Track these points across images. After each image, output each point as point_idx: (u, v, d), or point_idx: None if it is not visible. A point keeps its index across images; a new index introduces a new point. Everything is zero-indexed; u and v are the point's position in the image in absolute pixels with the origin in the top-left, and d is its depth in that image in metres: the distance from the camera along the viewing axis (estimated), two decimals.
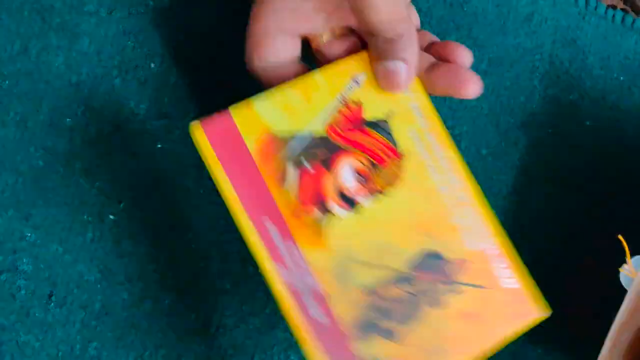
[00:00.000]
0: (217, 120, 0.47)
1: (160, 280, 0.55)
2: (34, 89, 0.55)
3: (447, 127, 0.57)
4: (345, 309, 0.47)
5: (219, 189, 0.46)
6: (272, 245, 0.47)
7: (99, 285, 0.54)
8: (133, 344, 0.56)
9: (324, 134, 0.48)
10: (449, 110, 0.63)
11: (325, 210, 0.48)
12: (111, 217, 0.55)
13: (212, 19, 0.59)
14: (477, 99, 0.63)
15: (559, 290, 0.60)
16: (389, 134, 0.49)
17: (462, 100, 0.63)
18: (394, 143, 0.49)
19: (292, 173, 0.48)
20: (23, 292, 0.53)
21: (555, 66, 0.66)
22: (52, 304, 0.53)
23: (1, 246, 0.54)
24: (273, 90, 0.48)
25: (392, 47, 0.48)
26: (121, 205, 0.55)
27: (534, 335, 0.60)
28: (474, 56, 0.63)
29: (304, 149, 0.48)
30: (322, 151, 0.48)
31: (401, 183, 0.49)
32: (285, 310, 0.47)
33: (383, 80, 0.48)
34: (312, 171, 0.48)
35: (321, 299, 0.47)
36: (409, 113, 0.50)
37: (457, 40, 0.64)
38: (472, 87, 0.48)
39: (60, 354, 0.54)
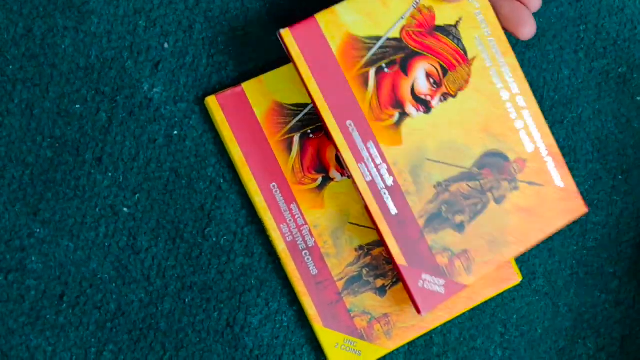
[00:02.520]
0: (303, 25, 0.51)
1: (180, 278, 0.54)
2: (40, 74, 0.53)
3: None
4: (420, 203, 0.52)
5: (306, 88, 0.51)
6: (354, 145, 0.51)
7: (114, 284, 0.53)
8: (152, 346, 0.53)
9: (401, 39, 0.53)
10: None
11: (403, 112, 0.53)
12: (126, 210, 0.54)
13: None
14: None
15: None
16: (459, 39, 0.54)
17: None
18: (463, 49, 0.54)
19: (373, 77, 0.52)
20: (33, 292, 0.52)
21: (602, 37, 0.63)
22: (64, 305, 0.52)
23: (8, 244, 0.52)
24: None
25: None
26: (136, 197, 0.54)
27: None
28: None
29: (384, 54, 0.52)
30: (400, 56, 0.53)
31: (469, 87, 0.54)
32: (368, 207, 0.51)
33: None
34: (391, 75, 0.53)
35: (399, 194, 0.52)
36: (474, 20, 0.55)
37: None
38: (527, 29, 0.53)
39: (74, 358, 0.53)
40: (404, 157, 0.52)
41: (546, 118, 0.61)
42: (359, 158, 0.52)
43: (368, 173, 0.52)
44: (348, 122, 0.51)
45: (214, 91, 0.56)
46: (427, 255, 0.52)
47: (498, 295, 0.59)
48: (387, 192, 0.52)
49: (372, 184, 0.52)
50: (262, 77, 0.54)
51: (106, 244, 0.53)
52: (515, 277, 0.58)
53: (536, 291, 0.60)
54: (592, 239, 0.61)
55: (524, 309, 0.59)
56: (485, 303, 0.59)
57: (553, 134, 0.61)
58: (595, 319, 0.60)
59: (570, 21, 0.62)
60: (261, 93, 0.54)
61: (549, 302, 0.60)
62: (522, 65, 0.61)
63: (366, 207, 0.52)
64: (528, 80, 0.61)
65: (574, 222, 0.61)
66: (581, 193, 0.61)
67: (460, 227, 0.53)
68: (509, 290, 0.59)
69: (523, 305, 0.59)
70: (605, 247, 0.61)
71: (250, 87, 0.54)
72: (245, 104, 0.54)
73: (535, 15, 0.62)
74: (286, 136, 0.54)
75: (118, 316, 0.53)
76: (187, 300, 0.54)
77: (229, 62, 0.56)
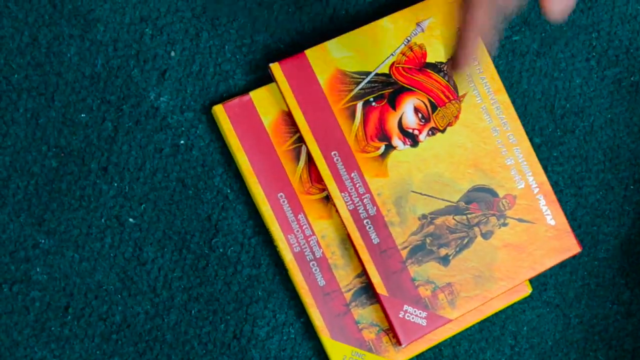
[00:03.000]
0: (293, 60, 0.53)
1: (186, 289, 0.53)
2: (45, 83, 0.53)
3: None
4: (403, 234, 0.53)
5: (295, 120, 0.52)
6: (338, 175, 0.53)
7: (119, 296, 0.53)
8: (157, 358, 0.53)
9: (390, 75, 0.54)
10: None
11: (389, 145, 0.54)
12: (131, 220, 0.53)
13: None
14: (528, 83, 0.60)
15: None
16: (450, 76, 0.55)
17: (511, 84, 0.59)
18: (454, 85, 0.55)
19: (360, 110, 0.54)
20: (37, 304, 0.52)
21: (614, 45, 0.62)
22: (69, 316, 0.52)
23: (13, 255, 0.52)
24: (345, 35, 0.54)
25: None
26: (142, 207, 0.54)
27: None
28: (525, 36, 0.61)
29: (372, 88, 0.54)
30: (388, 91, 0.54)
31: (458, 122, 0.55)
32: (350, 236, 0.53)
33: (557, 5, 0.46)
34: (379, 109, 0.54)
35: (382, 224, 0.53)
36: None
37: (509, 17, 0.60)
38: (557, 5, 0.47)
39: None
40: (389, 188, 0.54)
41: (557, 127, 0.61)
42: (342, 187, 0.53)
43: (351, 202, 0.53)
44: (333, 152, 0.53)
45: (221, 100, 0.55)
46: (409, 287, 0.53)
47: (508, 307, 0.58)
48: (369, 222, 0.53)
49: (354, 213, 0.53)
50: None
51: (111, 255, 0.53)
52: (525, 289, 0.57)
53: (547, 303, 0.59)
54: (604, 250, 0.61)
55: (534, 321, 0.59)
56: (495, 315, 0.58)
57: (565, 143, 0.61)
58: (607, 330, 0.60)
59: (582, 29, 0.61)
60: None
61: (559, 313, 0.59)
62: (532, 74, 0.60)
63: (348, 236, 0.53)
64: (539, 90, 0.61)
65: (585, 233, 0.60)
66: (592, 203, 0.61)
67: (444, 260, 0.54)
68: (519, 302, 0.59)
69: (533, 317, 0.59)
70: (617, 258, 0.61)
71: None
72: (252, 113, 0.54)
73: (544, 23, 0.61)
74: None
75: (123, 328, 0.53)
76: (193, 312, 0.53)
77: (236, 70, 0.56)
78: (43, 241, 0.52)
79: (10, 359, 0.51)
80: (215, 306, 0.54)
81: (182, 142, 0.54)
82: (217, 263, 0.54)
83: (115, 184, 0.53)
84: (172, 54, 0.55)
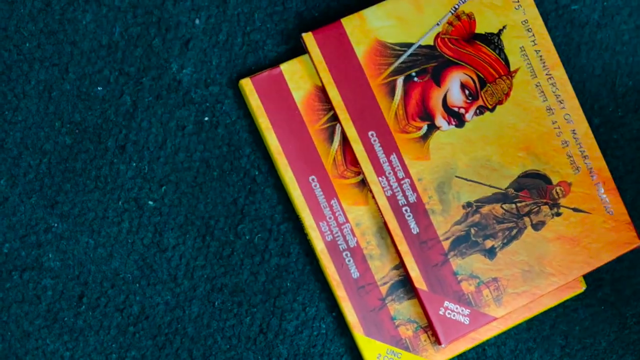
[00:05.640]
0: (328, 29, 0.51)
1: (210, 279, 0.52)
2: (59, 53, 0.51)
3: None
4: (446, 223, 0.51)
5: (329, 96, 0.50)
6: (375, 157, 0.50)
7: (137, 285, 0.51)
8: (177, 353, 0.51)
9: (435, 47, 0.52)
10: None
11: (432, 124, 0.51)
12: (151, 203, 0.52)
13: None
14: (588, 57, 0.57)
15: None
16: (501, 49, 0.52)
17: (568, 58, 0.56)
18: (505, 59, 0.53)
19: (400, 86, 0.51)
20: (50, 292, 0.51)
21: None
22: (84, 306, 0.51)
23: (24, 239, 0.50)
24: (385, 2, 0.51)
25: None
26: (163, 189, 0.52)
27: None
28: (584, 4, 0.57)
29: (414, 62, 0.51)
30: (432, 65, 0.52)
31: (509, 101, 0.52)
32: (388, 225, 0.50)
33: None
34: (421, 85, 0.51)
35: (422, 213, 0.51)
36: (520, 29, 0.53)
37: None
38: None
39: None
40: (431, 172, 0.51)
41: (618, 107, 0.56)
42: (379, 171, 0.51)
43: (389, 187, 0.51)
44: (370, 132, 0.51)
45: (249, 73, 0.53)
46: (450, 281, 0.51)
47: (559, 305, 0.55)
48: (409, 209, 0.51)
49: (392, 200, 0.51)
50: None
51: (129, 241, 0.51)
52: (578, 285, 0.53)
53: (602, 300, 0.56)
54: None
55: (587, 320, 0.56)
56: (545, 313, 0.55)
57: (626, 124, 0.57)
58: None
59: None
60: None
61: (615, 312, 0.56)
62: (592, 48, 0.56)
63: (385, 225, 0.51)
64: (598, 66, 0.57)
65: None
66: None
67: (490, 253, 0.51)
68: (571, 299, 0.56)
69: (587, 315, 0.56)
70: None
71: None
72: (283, 88, 0.51)
73: None
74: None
75: (141, 320, 0.51)
76: (216, 304, 0.52)
77: (266, 40, 0.53)
78: (56, 225, 0.51)
79: (20, 350, 0.50)
80: (241, 298, 0.52)
81: (206, 118, 0.52)
82: (243, 251, 0.52)
83: (134, 164, 0.51)
84: (197, 21, 0.52)
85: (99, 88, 0.51)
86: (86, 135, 0.51)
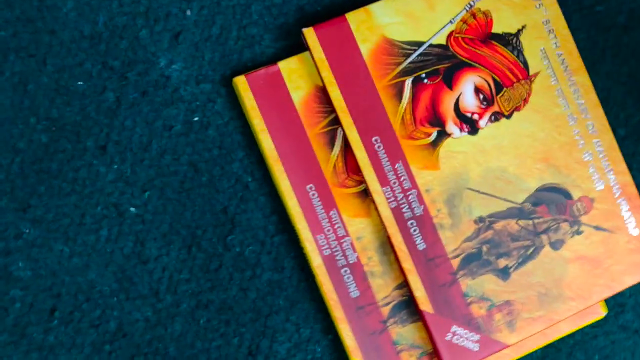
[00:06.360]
0: (331, 25, 0.49)
1: (195, 294, 0.50)
2: (36, 42, 0.50)
3: None
4: (455, 239, 0.49)
5: (330, 97, 0.48)
6: (379, 165, 0.48)
7: (115, 299, 0.49)
8: None
9: (448, 47, 0.50)
10: None
11: (442, 131, 0.49)
12: (133, 210, 0.50)
13: None
14: (613, 62, 0.54)
15: None
16: (520, 51, 0.51)
17: (592, 63, 0.54)
18: (524, 62, 0.50)
19: (409, 88, 0.49)
20: (18, 305, 0.49)
21: None
22: (55, 321, 0.49)
23: None
24: None
25: None
26: (146, 194, 0.50)
27: None
28: (609, 6, 0.55)
29: (424, 62, 0.50)
30: (444, 65, 0.50)
31: (527, 107, 0.50)
32: (391, 240, 0.48)
33: None
34: (431, 87, 0.50)
35: (429, 227, 0.48)
36: (541, 29, 0.51)
37: None
38: None
39: None
40: (440, 183, 0.49)
41: None
42: (384, 181, 0.48)
43: (393, 198, 0.48)
44: (374, 137, 0.49)
45: (244, 70, 0.51)
46: (459, 303, 0.48)
47: (577, 331, 0.53)
48: (414, 223, 0.48)
49: (397, 212, 0.48)
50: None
51: (108, 250, 0.49)
52: (599, 311, 0.51)
53: (623, 327, 0.54)
54: None
55: (607, 348, 0.53)
56: (562, 340, 0.52)
57: None
58: None
59: None
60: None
61: (638, 340, 0.54)
62: (618, 52, 0.54)
63: (388, 239, 0.48)
64: (624, 72, 0.55)
65: None
66: None
67: (504, 273, 0.49)
68: (591, 326, 0.53)
69: (607, 343, 0.53)
70: None
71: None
72: (280, 87, 0.49)
73: None
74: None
75: (119, 337, 0.49)
76: (201, 322, 0.50)
77: (263, 35, 0.51)
78: (27, 231, 0.49)
79: None
80: (229, 316, 0.50)
81: (196, 118, 0.50)
82: (232, 264, 0.50)
83: (115, 166, 0.49)
84: (188, 12, 0.51)
85: (79, 82, 0.49)
86: (64, 133, 0.49)
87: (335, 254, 0.48)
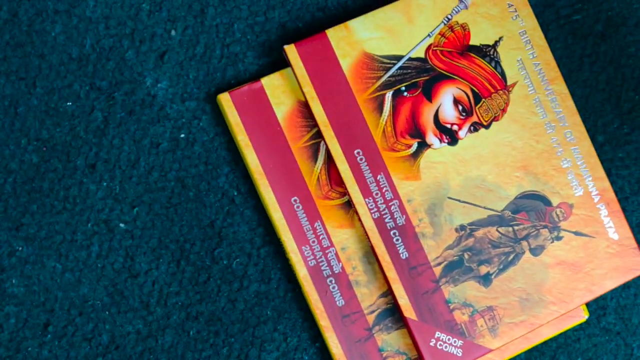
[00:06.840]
0: (312, 41, 0.49)
1: (184, 306, 0.50)
2: (26, 66, 0.50)
3: None
4: (437, 248, 0.49)
5: (312, 112, 0.49)
6: (362, 177, 0.49)
7: (107, 312, 0.50)
8: None
9: (426, 60, 0.50)
10: None
11: (422, 142, 0.50)
12: (122, 225, 0.50)
13: None
14: (590, 70, 0.55)
15: None
16: (497, 62, 0.51)
17: (570, 72, 0.55)
18: (502, 73, 0.51)
19: (389, 101, 0.49)
20: (12, 320, 0.49)
21: None
22: (49, 335, 0.49)
23: None
24: (373, 12, 0.50)
25: None
26: (135, 210, 0.50)
27: None
28: (586, 15, 0.55)
29: (404, 75, 0.50)
30: (423, 78, 0.50)
31: (505, 117, 0.51)
32: (375, 250, 0.48)
33: None
34: (411, 100, 0.50)
35: (412, 236, 0.49)
36: (517, 40, 0.51)
37: None
38: None
39: None
40: (421, 193, 0.49)
41: (623, 123, 0.54)
42: (366, 192, 0.49)
43: (376, 209, 0.49)
44: (356, 150, 0.49)
45: (228, 87, 0.51)
46: (442, 310, 0.49)
47: (560, 335, 0.53)
48: (397, 233, 0.49)
49: (379, 222, 0.48)
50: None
51: (99, 265, 0.50)
52: (580, 314, 0.51)
53: (606, 330, 0.54)
54: None
55: (590, 351, 0.53)
56: (545, 344, 0.53)
57: (632, 142, 0.55)
58: None
59: None
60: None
61: (620, 342, 0.54)
62: (595, 60, 0.54)
63: (372, 249, 0.49)
64: (602, 80, 0.55)
65: None
66: None
67: (485, 280, 0.49)
68: (573, 329, 0.53)
69: (589, 346, 0.53)
70: None
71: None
72: (264, 103, 0.50)
73: (612, 0, 0.54)
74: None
75: (111, 350, 0.49)
76: (191, 333, 0.50)
77: (246, 53, 0.51)
78: (20, 248, 0.49)
79: None
80: (217, 327, 0.50)
81: (182, 135, 0.51)
82: (220, 277, 0.50)
83: (105, 184, 0.50)
84: (173, 32, 0.51)
85: (68, 103, 0.50)
86: (54, 153, 0.49)
87: (321, 264, 0.49)
